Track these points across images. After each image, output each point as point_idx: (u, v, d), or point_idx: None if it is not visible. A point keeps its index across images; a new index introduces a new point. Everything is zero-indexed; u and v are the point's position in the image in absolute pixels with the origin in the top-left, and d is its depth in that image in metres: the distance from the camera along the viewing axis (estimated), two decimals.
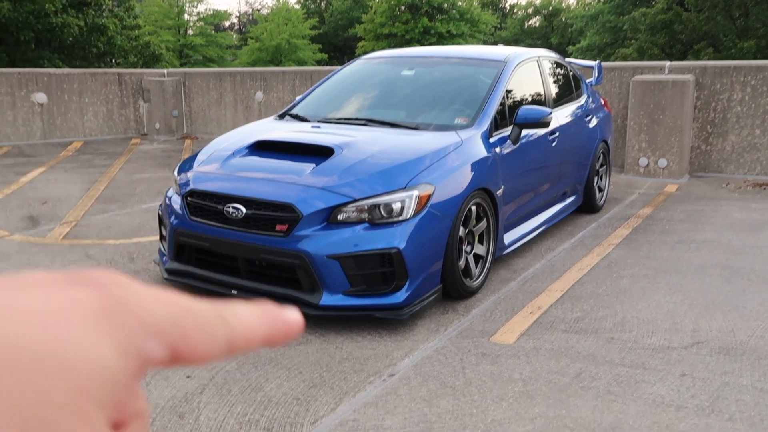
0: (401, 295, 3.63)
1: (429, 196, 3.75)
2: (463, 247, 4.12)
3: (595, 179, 6.41)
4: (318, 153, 4.06)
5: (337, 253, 3.56)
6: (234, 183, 3.89)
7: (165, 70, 12.85)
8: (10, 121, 11.00)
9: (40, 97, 11.29)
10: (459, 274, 4.02)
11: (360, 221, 3.63)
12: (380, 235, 3.60)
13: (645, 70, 8.68)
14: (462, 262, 4.08)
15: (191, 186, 4.02)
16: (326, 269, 3.58)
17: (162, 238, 4.32)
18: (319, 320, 3.78)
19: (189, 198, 4.02)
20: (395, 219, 3.63)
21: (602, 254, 5.13)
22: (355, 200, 3.62)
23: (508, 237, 4.75)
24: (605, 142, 6.61)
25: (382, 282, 3.64)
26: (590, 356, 3.34)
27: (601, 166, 6.62)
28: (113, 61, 16.20)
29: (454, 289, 4.03)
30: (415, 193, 3.68)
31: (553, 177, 5.42)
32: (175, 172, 4.32)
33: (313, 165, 3.87)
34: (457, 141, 4.22)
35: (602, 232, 5.77)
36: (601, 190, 6.63)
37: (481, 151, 4.31)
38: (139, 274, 4.62)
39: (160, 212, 4.35)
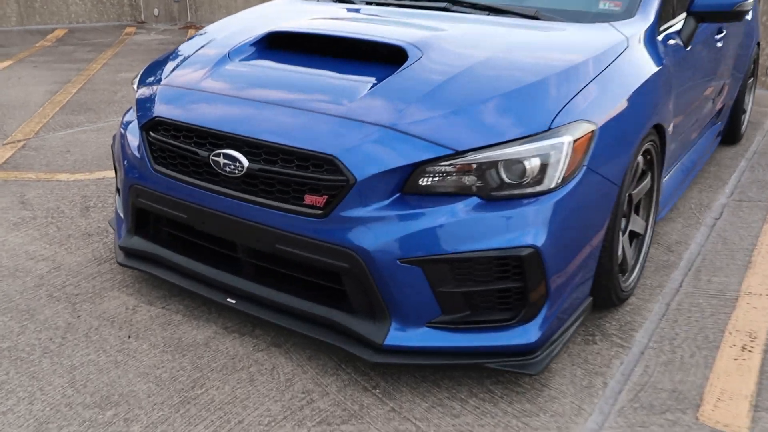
0: (533, 330, 1.97)
1: (588, 144, 2.02)
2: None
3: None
4: (377, 57, 2.30)
5: (420, 255, 1.88)
6: (228, 109, 2.16)
7: None
8: None
9: None
10: (617, 274, 2.35)
11: (462, 192, 1.92)
12: (501, 220, 1.89)
13: None
14: (619, 251, 2.40)
15: (155, 111, 2.30)
16: (398, 282, 1.91)
17: (118, 190, 2.66)
18: (383, 368, 2.16)
19: (152, 133, 2.31)
20: (529, 189, 1.92)
21: None
22: (457, 153, 1.90)
23: (664, 193, 3.02)
24: (758, 44, 4.72)
25: (499, 306, 1.98)
26: None
27: (750, 77, 4.76)
28: None
29: (606, 296, 2.37)
30: (567, 139, 1.94)
31: (713, 95, 3.62)
32: (135, 83, 2.59)
33: (372, 81, 2.12)
34: (620, 41, 2.41)
35: (765, 177, 4.01)
36: (744, 111, 4.80)
37: (652, 61, 2.51)
38: (91, 238, 2.99)
39: (113, 148, 2.67)
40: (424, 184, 1.92)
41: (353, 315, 2.03)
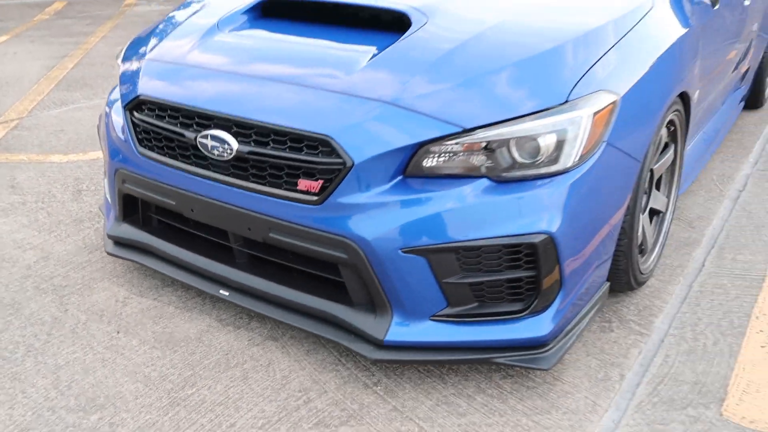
0: (545, 322, 1.82)
1: (609, 117, 1.84)
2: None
3: None
4: (379, 24, 2.12)
5: (424, 244, 1.73)
6: (216, 85, 1.99)
7: None
8: None
9: None
10: (636, 256, 2.19)
11: (471, 173, 1.76)
12: (513, 204, 1.73)
13: None
14: (638, 231, 2.24)
15: (139, 89, 2.14)
16: (400, 274, 1.76)
17: (106, 174, 2.51)
18: (383, 364, 2.01)
19: (136, 113, 2.15)
20: (544, 169, 1.75)
21: None
22: (464, 131, 1.73)
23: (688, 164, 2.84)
24: None
25: (509, 297, 1.83)
26: None
27: None
28: None
29: (624, 280, 2.21)
30: (586, 112, 1.77)
31: (738, 58, 3.40)
32: (120, 58, 2.43)
33: (372, 51, 1.94)
34: (644, 1, 2.21)
35: None
36: None
37: (678, 22, 2.31)
38: (82, 225, 2.85)
39: (98, 129, 2.52)
40: (428, 165, 1.76)
41: (352, 308, 1.89)
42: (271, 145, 1.84)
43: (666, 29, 2.19)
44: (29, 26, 7.71)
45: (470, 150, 1.74)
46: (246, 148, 1.86)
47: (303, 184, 1.80)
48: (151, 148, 2.11)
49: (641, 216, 2.29)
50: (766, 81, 4.36)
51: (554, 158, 1.75)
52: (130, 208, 2.31)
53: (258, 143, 1.85)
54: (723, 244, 2.70)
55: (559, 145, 1.74)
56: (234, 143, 1.88)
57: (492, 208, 1.73)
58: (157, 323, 2.19)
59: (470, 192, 1.74)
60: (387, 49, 1.92)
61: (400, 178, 1.77)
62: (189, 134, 1.97)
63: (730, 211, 2.98)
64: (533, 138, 1.73)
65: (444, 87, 1.78)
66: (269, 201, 1.86)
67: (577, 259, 1.83)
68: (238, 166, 1.90)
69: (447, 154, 1.75)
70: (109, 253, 2.36)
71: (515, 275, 1.78)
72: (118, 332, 2.15)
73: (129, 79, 2.22)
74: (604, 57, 1.90)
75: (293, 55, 2.00)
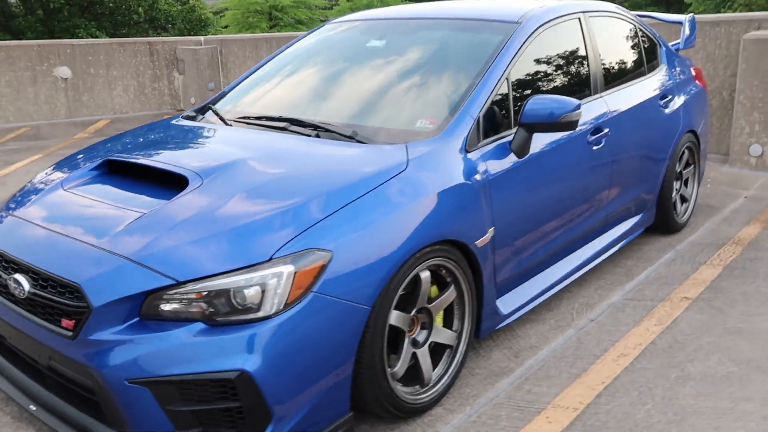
0: None
1: (319, 272, 2.16)
2: (407, 340, 2.51)
3: (675, 186, 4.51)
4: (174, 184, 2.55)
5: (147, 376, 2.07)
6: (28, 236, 2.46)
7: (202, 38, 11.64)
8: (32, 99, 10.17)
9: (64, 71, 10.39)
10: (389, 390, 2.42)
11: (193, 317, 2.10)
12: (218, 344, 2.06)
13: (763, 23, 6.45)
14: (399, 367, 2.48)
15: None
16: (130, 400, 2.10)
17: None
18: None
19: None
20: (251, 315, 2.08)
21: (666, 321, 3.33)
22: (178, 283, 2.09)
23: (510, 301, 3.06)
24: (693, 132, 4.66)
25: (226, 423, 2.12)
26: None
27: (687, 166, 4.69)
28: (164, 28, 15.15)
29: (382, 410, 2.45)
30: (287, 269, 2.10)
31: (597, 196, 3.63)
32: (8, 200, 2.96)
33: (145, 209, 2.37)
34: (398, 163, 2.56)
35: (676, 273, 3.93)
36: (684, 200, 4.72)
37: (448, 177, 2.63)
38: None
39: None
40: (160, 309, 2.12)
41: (108, 427, 2.22)
42: (48, 288, 2.26)
43: (420, 186, 2.51)
44: (65, 144, 8.71)
45: (189, 298, 2.10)
46: (33, 290, 2.29)
47: (64, 321, 2.20)
48: None
49: (417, 352, 2.54)
50: (673, 210, 4.51)
51: (257, 306, 2.08)
52: None
53: (41, 286, 2.28)
54: (531, 374, 2.88)
55: (262, 296, 2.08)
56: (27, 285, 2.31)
57: (202, 347, 2.06)
58: None
59: (186, 333, 2.08)
60: (151, 211, 2.34)
61: (136, 319, 2.13)
62: (4, 275, 2.42)
63: (564, 343, 3.15)
64: (239, 289, 2.08)
65: (172, 245, 2.17)
66: (48, 333, 2.26)
67: (293, 393, 2.12)
68: (30, 302, 2.33)
69: (171, 301, 2.11)
70: None
71: (225, 405, 2.08)
72: None
73: None
74: (327, 219, 2.25)
75: (86, 211, 2.46)
